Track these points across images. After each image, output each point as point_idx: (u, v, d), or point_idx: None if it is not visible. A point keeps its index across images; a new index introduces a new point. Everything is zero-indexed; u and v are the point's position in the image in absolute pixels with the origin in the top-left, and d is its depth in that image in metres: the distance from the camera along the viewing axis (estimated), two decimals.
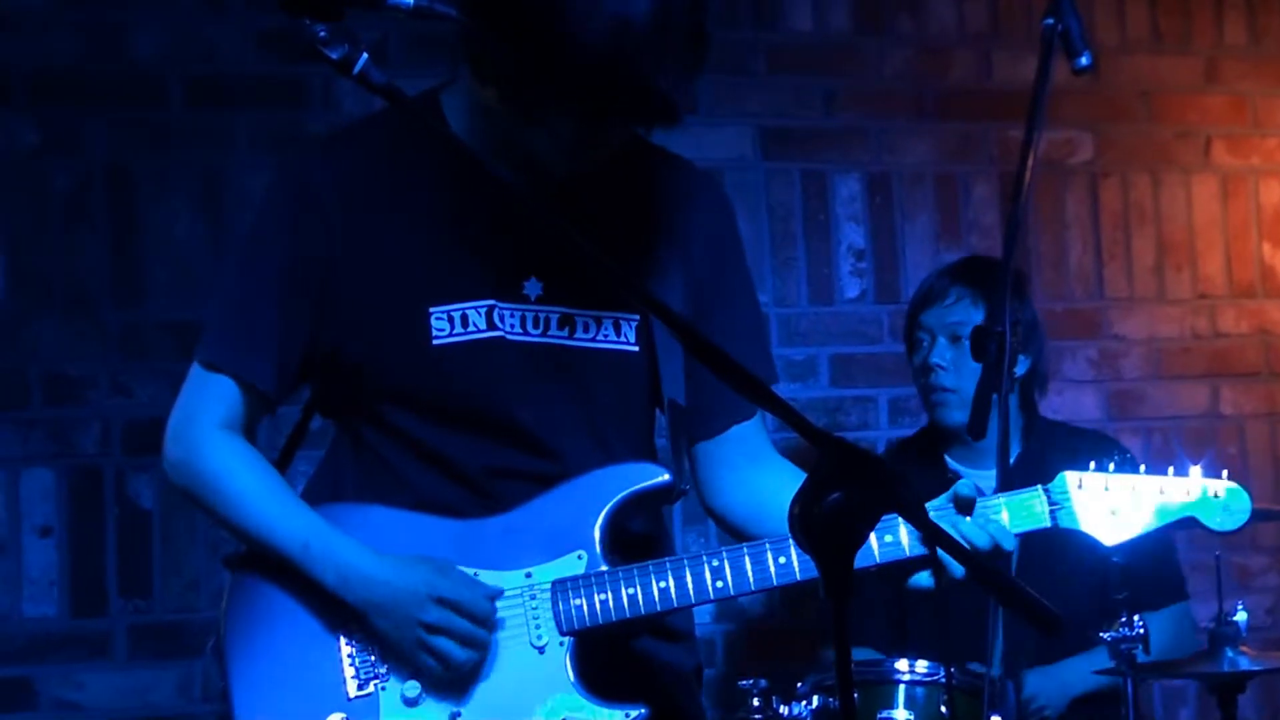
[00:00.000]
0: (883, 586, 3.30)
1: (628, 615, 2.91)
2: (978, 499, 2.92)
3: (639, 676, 3.01)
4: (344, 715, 2.88)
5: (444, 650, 2.84)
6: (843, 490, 2.11)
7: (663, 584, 2.90)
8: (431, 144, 2.92)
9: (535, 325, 2.95)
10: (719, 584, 2.91)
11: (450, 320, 2.92)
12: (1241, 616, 4.01)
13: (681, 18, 2.68)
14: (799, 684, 4.18)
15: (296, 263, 2.93)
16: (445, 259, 2.93)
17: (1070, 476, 3.00)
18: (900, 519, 2.88)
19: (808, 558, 2.85)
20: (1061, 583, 4.32)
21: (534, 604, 2.91)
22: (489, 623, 2.87)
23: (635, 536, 3.03)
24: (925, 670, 4.11)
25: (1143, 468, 3.05)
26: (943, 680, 4.05)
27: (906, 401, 5.56)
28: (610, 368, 2.99)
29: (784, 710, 4.08)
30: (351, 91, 2.65)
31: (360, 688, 2.89)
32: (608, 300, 2.98)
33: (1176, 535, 5.15)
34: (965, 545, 2.78)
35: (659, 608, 2.91)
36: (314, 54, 2.39)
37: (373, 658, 2.90)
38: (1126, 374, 5.86)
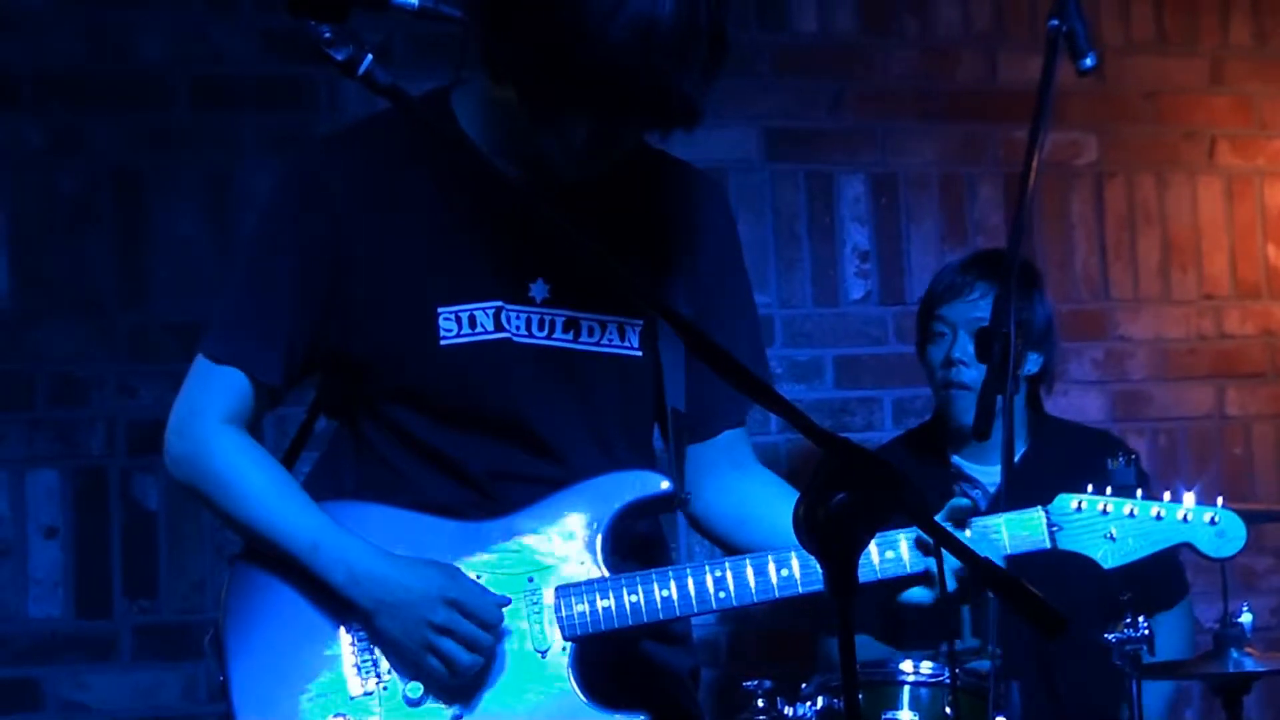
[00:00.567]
0: None
1: (630, 622, 2.91)
2: (977, 519, 2.96)
3: (639, 681, 3.02)
4: (344, 714, 2.88)
5: (450, 653, 2.84)
6: (848, 491, 2.11)
7: (665, 592, 2.91)
8: (440, 143, 2.92)
9: (541, 328, 2.95)
10: (721, 594, 2.92)
11: (458, 321, 2.92)
12: (1247, 618, 4.01)
13: (705, 19, 2.67)
14: (803, 685, 4.18)
15: (304, 258, 2.93)
16: (454, 259, 2.93)
17: (1070, 499, 3.04)
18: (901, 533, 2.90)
19: (810, 571, 2.88)
20: (1064, 584, 4.31)
21: (536, 609, 2.91)
22: (495, 628, 2.87)
23: (635, 538, 3.04)
24: (930, 671, 4.10)
25: (1139, 492, 3.09)
26: (948, 681, 4.05)
27: (911, 402, 5.56)
28: (614, 372, 3.00)
29: (788, 711, 4.07)
30: (357, 93, 2.64)
31: (362, 686, 2.89)
32: (613, 305, 2.98)
33: None
34: (968, 548, 2.78)
35: (661, 615, 2.92)
36: (319, 55, 2.39)
37: (375, 657, 2.90)
38: (1132, 375, 5.85)
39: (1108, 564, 3.07)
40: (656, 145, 2.99)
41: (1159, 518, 3.08)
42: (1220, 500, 3.12)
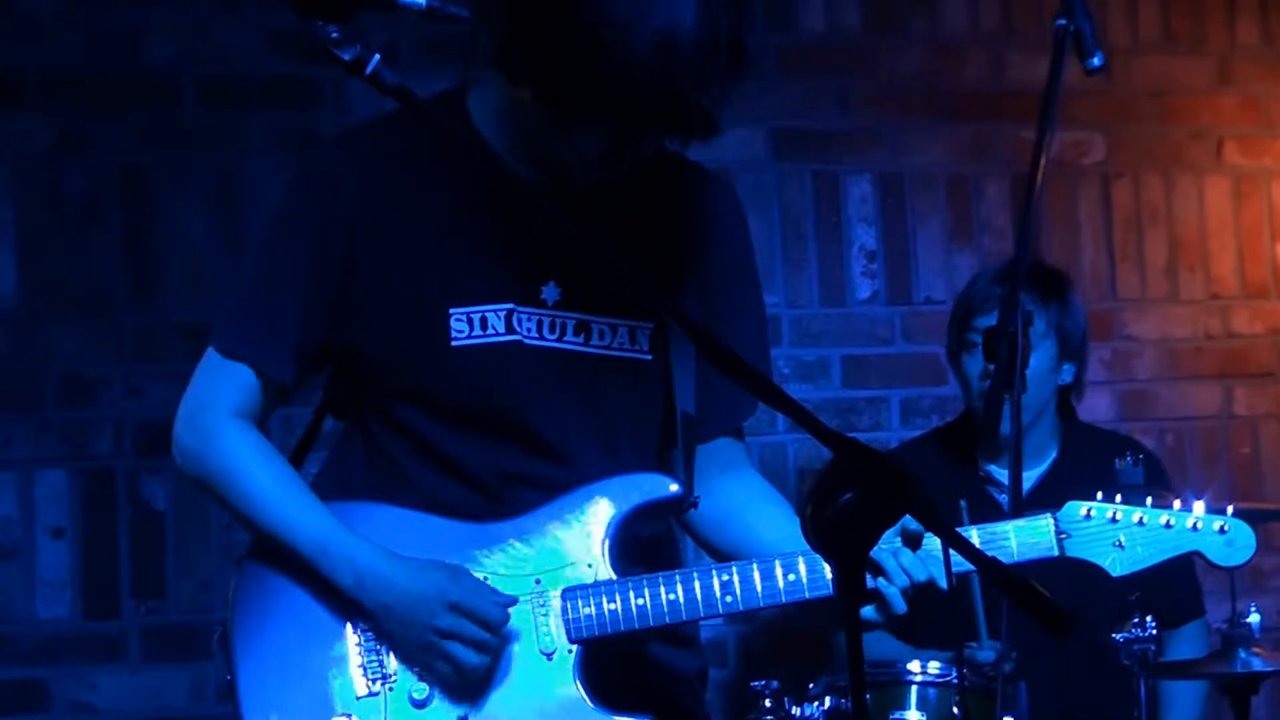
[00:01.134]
0: None
1: (636, 626, 2.91)
2: (986, 525, 2.96)
3: (645, 684, 3.01)
4: (350, 714, 2.88)
5: (455, 655, 2.84)
6: (855, 491, 2.11)
7: (672, 596, 2.90)
8: (467, 142, 2.91)
9: (551, 330, 2.94)
10: (728, 598, 2.91)
11: (470, 322, 2.91)
12: (1255, 618, 4.00)
13: (726, 33, 2.67)
14: (811, 685, 4.18)
15: (316, 257, 2.93)
16: (466, 260, 2.93)
17: (1078, 506, 3.03)
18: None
19: (817, 576, 2.88)
20: (1071, 583, 4.31)
21: (543, 611, 2.91)
22: (501, 630, 2.87)
23: (644, 544, 3.03)
24: (938, 671, 4.11)
25: (1149, 500, 3.07)
26: (955, 681, 4.05)
27: (919, 402, 5.56)
28: (624, 376, 2.99)
29: (796, 711, 4.08)
30: (363, 93, 2.64)
31: (368, 687, 2.89)
32: (624, 308, 2.98)
33: None
34: (977, 550, 2.78)
35: (668, 619, 2.91)
36: (326, 55, 2.39)
37: (382, 658, 2.90)
38: (1139, 374, 5.85)
39: (1115, 572, 3.05)
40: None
41: (1168, 526, 3.06)
42: (1230, 509, 3.10)
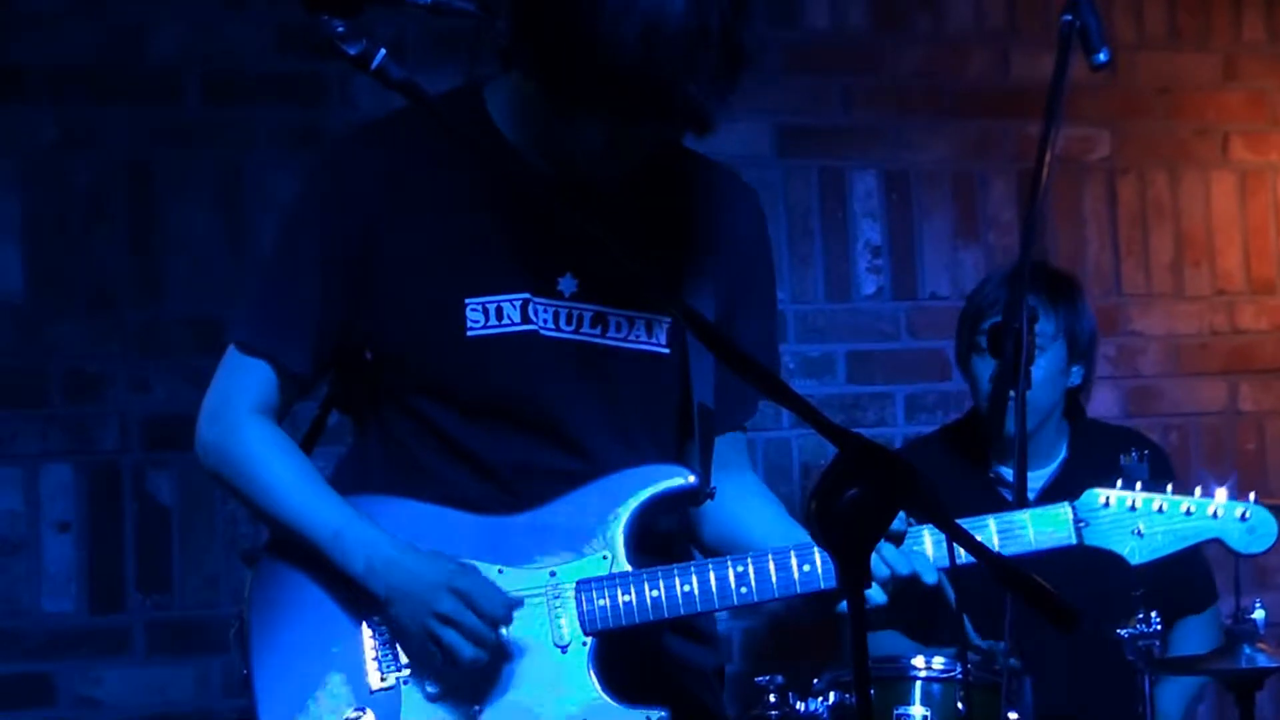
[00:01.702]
0: None
1: (651, 617, 2.90)
2: (1002, 515, 2.95)
3: (660, 677, 3.01)
4: (364, 708, 2.88)
5: (450, 643, 2.84)
6: (860, 486, 2.11)
7: (687, 587, 2.90)
8: (474, 137, 2.92)
9: (568, 322, 2.95)
10: (743, 589, 2.91)
11: (485, 312, 2.92)
12: (1260, 614, 4.01)
13: (716, 25, 2.67)
14: (815, 680, 4.18)
15: (334, 249, 2.94)
16: (482, 251, 2.94)
17: (1098, 494, 2.99)
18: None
19: (832, 567, 2.87)
20: (1076, 577, 4.31)
21: (557, 603, 2.91)
22: (500, 627, 2.86)
23: (659, 536, 3.03)
24: (942, 667, 4.11)
25: (1169, 487, 3.04)
26: (960, 677, 4.05)
27: (924, 398, 5.56)
28: (641, 369, 2.99)
29: (800, 707, 4.08)
30: (370, 88, 2.65)
31: (382, 681, 2.90)
32: (642, 301, 2.98)
33: None
34: (982, 546, 2.78)
35: (682, 610, 2.91)
36: (332, 50, 2.40)
37: (396, 651, 2.91)
38: (1145, 370, 5.85)
39: (1135, 560, 3.01)
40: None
41: (1189, 513, 3.02)
42: (1253, 495, 3.07)
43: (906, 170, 5.67)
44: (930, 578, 2.86)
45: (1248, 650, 3.96)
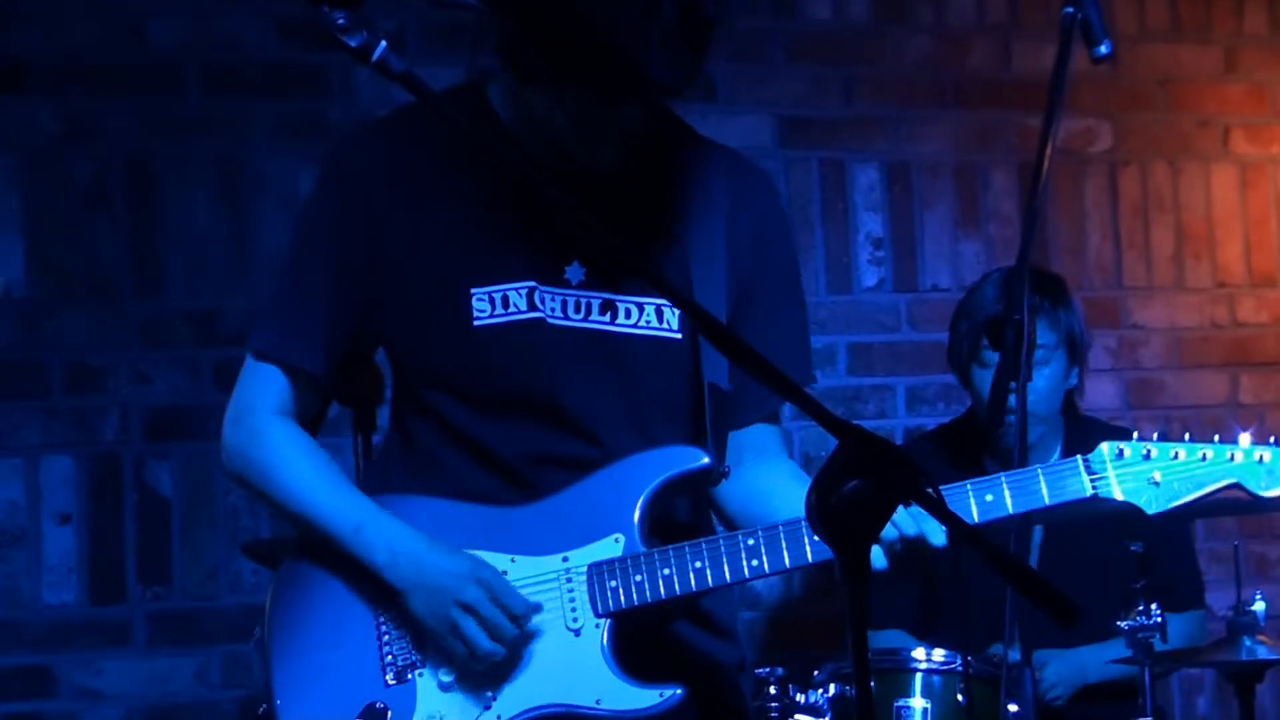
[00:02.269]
0: None
1: (663, 596, 2.89)
2: (1009, 474, 2.91)
3: (677, 661, 2.99)
4: (382, 701, 2.89)
5: (471, 635, 2.84)
6: (860, 478, 2.11)
7: (698, 564, 2.89)
8: (474, 129, 2.92)
9: (577, 310, 2.95)
10: (754, 562, 2.89)
11: (491, 301, 2.92)
12: (1260, 606, 4.02)
13: None
14: (816, 672, 4.19)
15: (340, 248, 2.95)
16: (487, 241, 2.94)
17: (1110, 447, 2.95)
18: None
19: None
20: (1078, 570, 4.32)
21: (570, 588, 2.91)
22: (521, 621, 2.87)
23: (677, 524, 3.02)
24: (942, 659, 4.11)
25: (1187, 435, 3.00)
26: (960, 669, 4.06)
27: (924, 390, 5.56)
28: (652, 354, 2.98)
29: (801, 698, 4.09)
30: (370, 80, 2.66)
31: (397, 675, 2.91)
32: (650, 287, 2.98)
33: (1195, 524, 5.16)
34: (982, 537, 2.77)
35: (695, 588, 2.89)
36: (332, 42, 2.40)
37: (409, 645, 2.91)
38: (1145, 363, 5.85)
39: (1151, 509, 2.91)
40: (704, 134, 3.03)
41: (1205, 459, 2.96)
42: (1273, 439, 3.01)
43: (908, 162, 5.67)
44: (938, 539, 2.79)
45: (1248, 642, 3.97)
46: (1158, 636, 4.01)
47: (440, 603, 2.86)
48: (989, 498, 2.89)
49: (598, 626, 2.89)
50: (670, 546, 2.90)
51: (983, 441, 4.70)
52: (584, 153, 2.89)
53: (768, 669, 4.07)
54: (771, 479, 3.09)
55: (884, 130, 5.65)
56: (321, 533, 2.94)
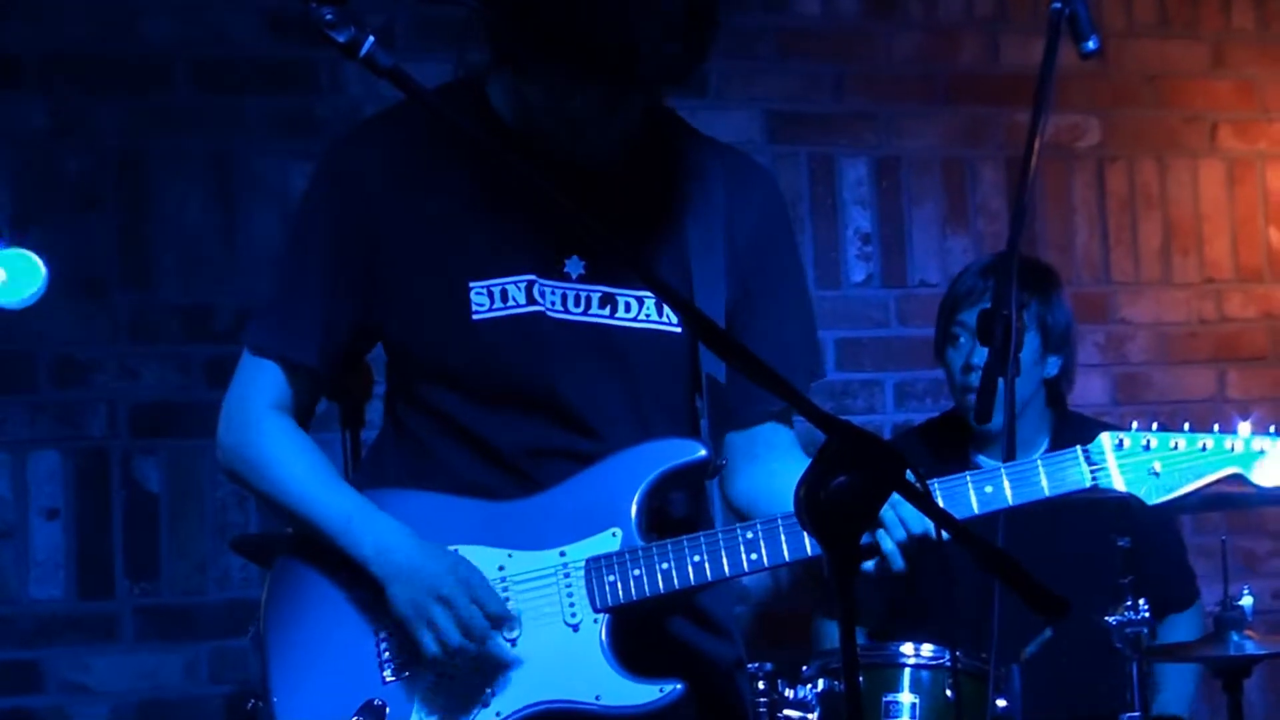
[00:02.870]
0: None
1: (662, 590, 2.88)
2: (1008, 466, 2.92)
3: (676, 657, 2.98)
4: (380, 699, 2.89)
5: (442, 626, 2.83)
6: (848, 473, 2.11)
7: (697, 558, 2.88)
8: (465, 124, 2.92)
9: (576, 304, 2.95)
10: (753, 556, 2.88)
11: (490, 295, 2.92)
12: (1248, 601, 4.01)
13: None
14: (804, 667, 4.19)
15: (337, 243, 2.96)
16: (486, 235, 2.94)
17: (1110, 437, 2.94)
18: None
19: None
20: (1058, 565, 4.32)
21: (568, 583, 2.90)
22: (495, 622, 2.86)
23: (675, 518, 3.01)
24: (931, 654, 4.11)
25: (1186, 425, 3.00)
26: (948, 664, 4.06)
27: (913, 385, 5.56)
28: (652, 347, 2.98)
29: (789, 693, 4.09)
30: (359, 75, 2.65)
31: (394, 672, 2.90)
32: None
33: (1182, 519, 5.16)
34: (970, 533, 2.78)
35: (693, 582, 2.89)
36: (321, 37, 2.40)
37: (406, 641, 2.90)
38: (1133, 358, 5.86)
39: (1151, 500, 2.92)
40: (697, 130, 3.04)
41: (1205, 449, 2.95)
42: (1273, 428, 2.99)
43: (897, 157, 5.67)
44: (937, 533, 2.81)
45: (1236, 638, 3.97)
46: (1145, 630, 4.01)
47: (417, 592, 2.86)
48: (988, 489, 2.90)
49: (596, 621, 2.89)
50: (669, 540, 2.90)
51: (970, 436, 4.71)
52: (583, 149, 2.90)
53: (757, 664, 4.07)
54: (783, 477, 3.09)
55: (873, 125, 5.65)
56: (314, 527, 2.95)
